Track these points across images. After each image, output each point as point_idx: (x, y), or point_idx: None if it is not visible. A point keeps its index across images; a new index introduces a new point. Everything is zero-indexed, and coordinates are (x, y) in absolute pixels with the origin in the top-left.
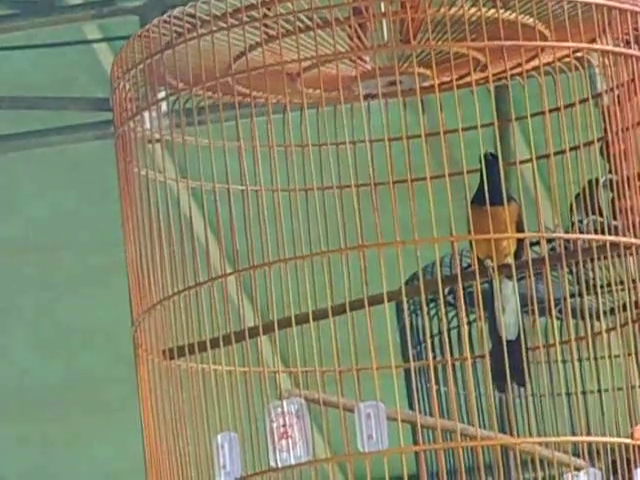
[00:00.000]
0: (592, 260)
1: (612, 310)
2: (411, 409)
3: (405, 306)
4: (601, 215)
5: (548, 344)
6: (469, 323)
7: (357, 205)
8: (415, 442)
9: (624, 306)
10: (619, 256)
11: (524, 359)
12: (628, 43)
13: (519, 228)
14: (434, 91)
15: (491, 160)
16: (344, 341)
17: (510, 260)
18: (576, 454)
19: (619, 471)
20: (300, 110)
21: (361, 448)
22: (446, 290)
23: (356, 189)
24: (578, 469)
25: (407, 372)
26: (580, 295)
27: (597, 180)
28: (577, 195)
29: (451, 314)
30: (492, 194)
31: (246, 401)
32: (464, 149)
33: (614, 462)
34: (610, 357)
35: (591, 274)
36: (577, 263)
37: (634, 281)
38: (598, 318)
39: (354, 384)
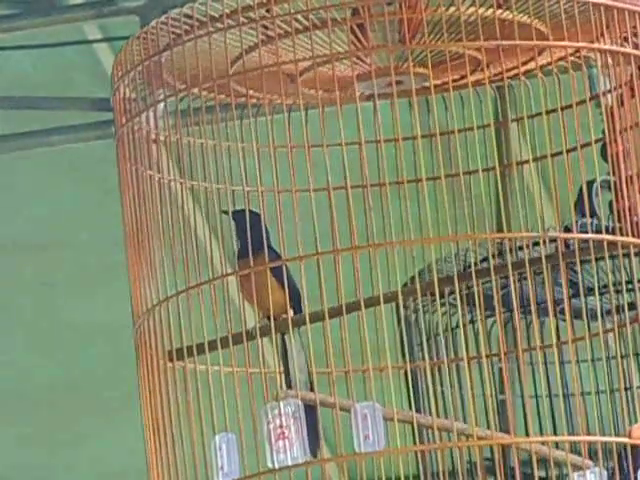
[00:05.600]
0: (589, 261)
1: (609, 311)
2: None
3: (398, 306)
4: (595, 216)
5: (545, 345)
6: (470, 322)
7: (364, 205)
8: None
9: (619, 308)
10: (616, 257)
11: (318, 422)
12: (627, 41)
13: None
14: (435, 91)
15: (238, 216)
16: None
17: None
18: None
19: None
20: (300, 111)
21: (357, 449)
22: (447, 290)
23: (356, 190)
24: (582, 468)
25: (411, 372)
26: (575, 296)
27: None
28: (578, 196)
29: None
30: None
31: (245, 402)
32: (459, 149)
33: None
34: (609, 358)
35: (589, 275)
36: (574, 263)
37: (628, 282)
38: (596, 319)
39: (357, 385)
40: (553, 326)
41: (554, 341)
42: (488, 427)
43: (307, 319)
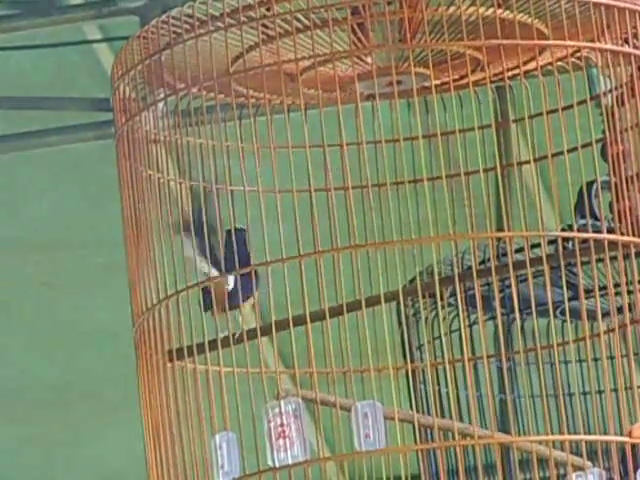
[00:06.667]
0: (588, 262)
1: (608, 312)
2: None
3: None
4: (596, 217)
5: (548, 345)
6: (470, 325)
7: (363, 205)
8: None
9: (618, 308)
10: (616, 258)
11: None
12: (627, 42)
13: None
14: (435, 91)
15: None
16: (349, 342)
17: None
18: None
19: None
20: (300, 111)
21: (358, 447)
22: (448, 292)
23: (357, 190)
24: (581, 469)
25: (411, 373)
26: (576, 298)
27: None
28: (578, 198)
29: (452, 315)
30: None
31: (245, 402)
32: (460, 149)
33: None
34: (610, 358)
35: (588, 277)
36: (573, 265)
37: (627, 283)
38: (596, 319)
39: (357, 385)
40: (554, 327)
41: (554, 342)
42: (486, 427)
43: (307, 319)
